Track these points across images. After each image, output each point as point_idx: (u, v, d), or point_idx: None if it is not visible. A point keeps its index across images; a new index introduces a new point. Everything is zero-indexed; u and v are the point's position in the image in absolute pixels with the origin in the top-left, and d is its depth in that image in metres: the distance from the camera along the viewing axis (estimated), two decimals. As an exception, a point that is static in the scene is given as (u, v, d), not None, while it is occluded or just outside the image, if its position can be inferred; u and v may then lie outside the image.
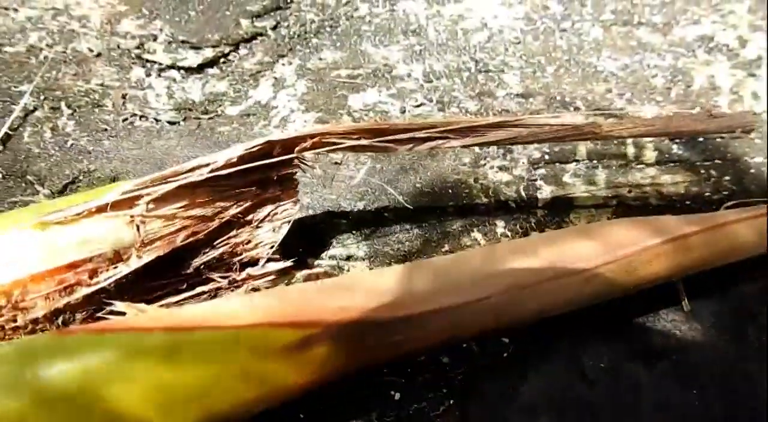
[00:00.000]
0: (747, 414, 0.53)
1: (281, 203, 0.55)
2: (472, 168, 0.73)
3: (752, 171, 0.77)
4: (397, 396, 0.54)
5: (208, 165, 0.50)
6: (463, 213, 0.69)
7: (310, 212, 0.66)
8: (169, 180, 0.49)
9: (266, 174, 0.54)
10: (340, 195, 0.68)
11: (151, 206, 0.49)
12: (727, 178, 0.76)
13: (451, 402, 0.53)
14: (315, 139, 0.52)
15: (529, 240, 0.56)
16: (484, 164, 0.74)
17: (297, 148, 0.52)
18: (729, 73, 0.87)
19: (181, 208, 0.50)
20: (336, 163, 0.71)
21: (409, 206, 0.68)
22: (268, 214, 0.54)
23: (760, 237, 0.59)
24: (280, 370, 0.46)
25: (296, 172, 0.55)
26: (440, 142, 0.59)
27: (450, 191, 0.71)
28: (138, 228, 0.48)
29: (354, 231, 0.65)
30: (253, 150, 0.51)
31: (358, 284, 0.50)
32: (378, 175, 0.71)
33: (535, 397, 0.54)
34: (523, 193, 0.72)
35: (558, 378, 0.55)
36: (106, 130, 0.72)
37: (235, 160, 0.50)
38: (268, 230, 0.55)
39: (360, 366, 0.49)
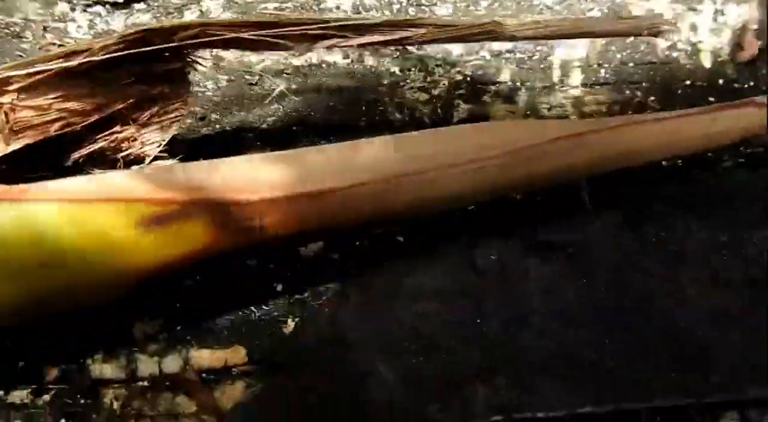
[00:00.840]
0: (635, 305, 0.52)
1: (171, 102, 0.55)
2: (390, 89, 0.73)
3: (679, 93, 0.76)
4: (280, 287, 0.54)
5: (82, 52, 0.50)
6: (376, 129, 0.68)
7: (217, 127, 0.66)
8: (38, 66, 0.49)
9: (150, 68, 0.54)
10: (250, 112, 0.68)
11: (22, 96, 0.49)
12: (652, 98, 0.75)
13: (334, 292, 0.53)
14: (196, 29, 0.52)
15: (419, 133, 0.55)
16: (404, 85, 0.73)
17: (176, 36, 0.52)
18: (669, 6, 0.86)
19: (56, 98, 0.51)
20: (250, 84, 0.71)
21: (320, 122, 0.68)
22: (157, 112, 0.54)
23: (659, 142, 0.58)
24: (134, 246, 0.45)
25: (186, 69, 0.55)
26: (338, 40, 0.58)
27: (364, 109, 0.70)
28: (6, 116, 0.48)
29: (260, 145, 0.65)
30: (128, 38, 0.51)
31: (225, 166, 0.50)
32: (292, 94, 0.71)
33: (421, 287, 0.53)
34: (439, 111, 0.71)
35: (447, 270, 0.54)
36: (21, 57, 0.73)
37: (111, 47, 0.50)
38: (156, 129, 0.55)
39: (223, 248, 0.48)
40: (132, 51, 0.51)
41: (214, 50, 0.68)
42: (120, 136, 0.53)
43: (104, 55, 0.50)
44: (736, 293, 0.53)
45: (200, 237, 0.46)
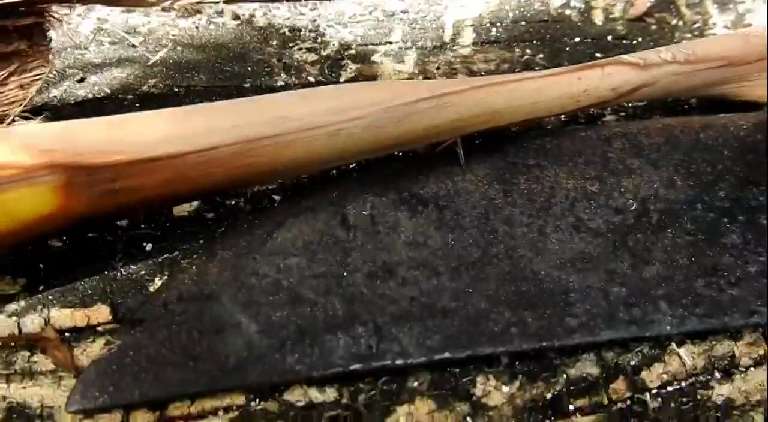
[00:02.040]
0: (499, 254, 0.53)
1: (30, 59, 0.54)
2: (278, 49, 0.73)
3: (567, 50, 0.77)
4: (149, 246, 0.54)
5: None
6: (260, 91, 0.68)
7: (95, 89, 0.65)
8: None
9: (2, 23, 0.52)
10: (131, 73, 0.67)
11: None
12: (540, 56, 0.76)
13: (201, 250, 0.53)
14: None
15: (280, 95, 0.55)
16: (293, 46, 0.73)
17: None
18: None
19: None
20: (133, 46, 0.70)
21: (203, 85, 0.67)
22: (15, 71, 0.53)
23: (523, 102, 0.58)
24: None
25: (45, 25, 0.54)
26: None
27: (250, 70, 0.70)
28: None
29: (139, 107, 0.64)
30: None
31: (80, 127, 0.49)
32: (176, 56, 0.70)
33: (288, 242, 0.53)
34: (326, 71, 0.71)
35: (317, 226, 0.54)
36: None
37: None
38: (15, 87, 0.54)
39: (81, 212, 0.48)
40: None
41: (94, 9, 0.67)
42: None
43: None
44: (597, 239, 0.55)
45: (52, 201, 0.45)
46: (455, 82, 0.55)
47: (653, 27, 0.79)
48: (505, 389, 0.47)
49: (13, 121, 0.53)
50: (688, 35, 0.78)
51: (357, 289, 0.49)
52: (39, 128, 0.49)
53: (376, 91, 0.52)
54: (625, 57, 0.60)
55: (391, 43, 0.73)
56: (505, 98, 0.55)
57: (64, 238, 0.52)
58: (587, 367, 0.49)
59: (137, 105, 0.63)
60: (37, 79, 0.52)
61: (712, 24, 0.79)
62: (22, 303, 0.48)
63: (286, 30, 0.72)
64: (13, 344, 0.46)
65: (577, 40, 0.76)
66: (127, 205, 0.48)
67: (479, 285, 0.50)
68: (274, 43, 0.71)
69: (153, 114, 0.49)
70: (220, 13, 0.73)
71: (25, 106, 0.52)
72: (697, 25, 0.79)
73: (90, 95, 0.63)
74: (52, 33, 0.53)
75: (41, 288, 0.49)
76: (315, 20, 0.74)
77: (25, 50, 0.52)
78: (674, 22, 0.79)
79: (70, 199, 0.45)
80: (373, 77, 0.70)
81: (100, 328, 0.48)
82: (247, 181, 0.52)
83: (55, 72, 0.63)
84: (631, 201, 0.56)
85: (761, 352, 0.51)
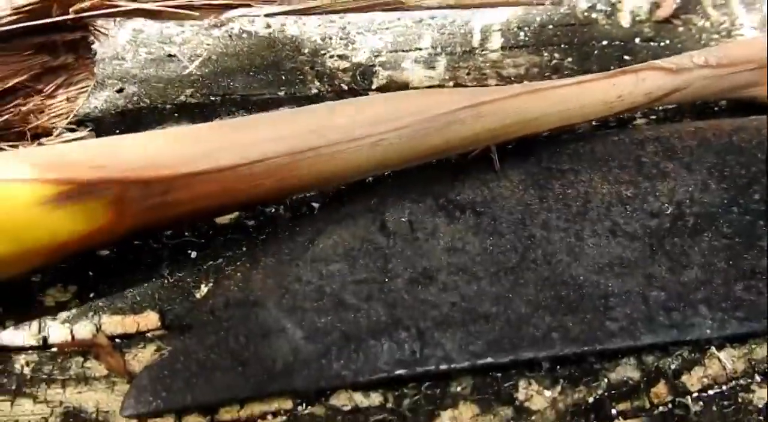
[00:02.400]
0: (537, 259, 0.54)
1: (76, 72, 0.55)
2: (310, 57, 0.74)
3: (596, 53, 0.78)
4: (194, 254, 0.55)
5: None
6: (294, 99, 0.69)
7: (134, 99, 0.66)
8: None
9: (51, 38, 0.54)
10: (169, 83, 0.68)
11: None
12: (569, 59, 0.77)
13: (244, 258, 0.54)
14: (94, 1, 0.52)
15: (320, 106, 0.56)
16: (324, 54, 0.74)
17: (72, 8, 0.52)
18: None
19: None
20: (169, 55, 0.72)
21: (238, 94, 0.68)
22: (62, 83, 0.54)
23: (559, 109, 0.59)
24: (37, 226, 0.45)
25: (89, 39, 0.55)
26: (243, 10, 0.59)
27: (284, 78, 0.71)
28: None
29: (177, 117, 0.66)
30: (25, 9, 0.51)
31: (129, 142, 0.50)
32: (211, 66, 0.71)
33: (330, 249, 0.54)
34: (358, 78, 0.72)
35: (357, 232, 0.55)
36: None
37: (7, 18, 0.50)
38: (62, 100, 0.55)
39: (127, 226, 0.49)
40: (30, 23, 0.51)
41: (133, 22, 0.68)
42: (24, 108, 0.54)
43: (2, 27, 0.50)
44: (635, 243, 0.56)
45: (103, 216, 0.46)
46: (492, 90, 0.56)
47: (680, 29, 0.79)
48: (548, 393, 0.48)
49: (60, 133, 0.54)
50: (716, 36, 0.78)
51: (399, 295, 0.50)
52: (89, 143, 0.50)
53: (416, 101, 0.53)
54: (659, 62, 0.60)
55: (420, 49, 0.74)
56: (541, 106, 0.56)
57: (112, 247, 0.53)
58: (628, 371, 0.50)
59: (175, 114, 0.64)
60: (83, 92, 0.53)
61: (738, 25, 0.79)
62: (74, 310, 0.49)
63: (317, 38, 0.73)
64: (67, 350, 0.47)
65: (604, 43, 0.76)
66: (175, 217, 0.49)
67: (519, 290, 0.51)
68: (306, 51, 0.72)
69: (199, 127, 0.51)
70: (252, 22, 0.74)
71: (70, 118, 0.53)
72: (724, 26, 0.79)
73: (129, 105, 0.65)
74: (96, 46, 0.54)
75: (92, 295, 0.50)
76: (345, 28, 0.75)
77: (72, 64, 0.53)
78: (701, 23, 0.79)
79: (121, 214, 0.46)
80: (405, 84, 0.70)
81: (149, 334, 0.49)
82: (291, 191, 0.53)
83: (95, 82, 0.64)
84: (666, 205, 0.57)
85: (800, 355, 0.51)
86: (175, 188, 0.47)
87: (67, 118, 0.54)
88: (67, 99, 0.53)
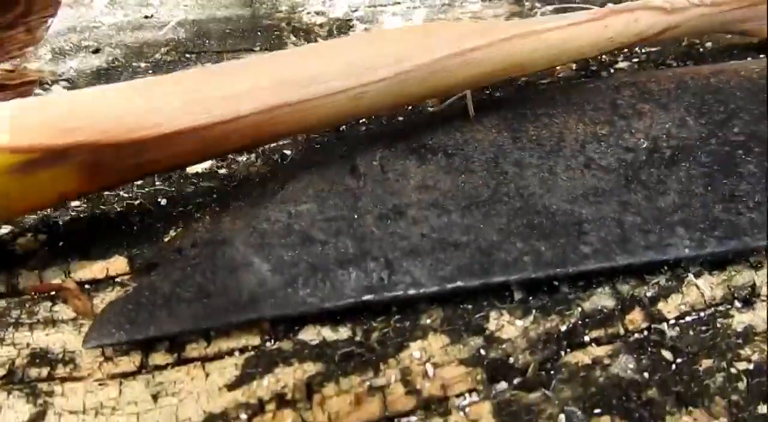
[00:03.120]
0: (509, 192, 0.53)
1: (35, 1, 0.54)
2: (287, 14, 0.73)
3: (577, 1, 0.76)
4: (164, 202, 0.55)
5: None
6: (268, 52, 0.69)
7: (109, 58, 0.67)
8: None
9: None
10: (144, 43, 0.69)
11: None
12: (548, 7, 0.75)
13: (214, 203, 0.54)
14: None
15: (296, 53, 0.55)
16: (302, 10, 0.74)
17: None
18: None
19: None
20: (146, 17, 0.72)
21: (213, 51, 0.68)
22: (22, 13, 0.53)
23: (549, 52, 0.57)
24: (8, 195, 0.44)
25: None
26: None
27: (260, 34, 0.71)
28: None
29: (152, 72, 0.66)
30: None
31: (93, 100, 0.47)
32: (188, 25, 0.71)
33: (300, 191, 0.54)
34: (335, 33, 0.72)
35: (327, 175, 0.55)
36: None
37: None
38: (22, 31, 0.54)
39: (100, 187, 0.48)
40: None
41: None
42: None
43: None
44: (610, 175, 0.55)
45: (75, 179, 0.45)
46: (480, 31, 0.54)
47: None
48: (519, 323, 0.47)
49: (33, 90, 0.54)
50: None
51: (367, 229, 0.49)
52: (60, 100, 0.49)
53: (397, 47, 0.51)
54: (653, 1, 0.59)
55: (399, 2, 0.73)
56: (530, 50, 0.55)
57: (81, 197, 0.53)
58: (602, 300, 0.49)
59: (150, 71, 0.64)
60: (43, 21, 0.52)
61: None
62: (43, 258, 0.49)
63: (294, -5, 0.73)
64: (35, 295, 0.47)
65: (586, -8, 0.75)
66: (149, 173, 0.49)
67: (490, 221, 0.50)
68: (284, 8, 0.72)
69: (173, 78, 0.49)
70: (229, -17, 0.74)
71: (34, 49, 0.52)
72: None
73: (105, 64, 0.65)
74: (74, 11, 0.53)
75: (61, 243, 0.50)
76: (323, -15, 0.74)
77: None
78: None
79: (93, 175, 0.45)
80: (381, 36, 0.69)
81: (117, 279, 0.49)
82: (266, 142, 0.52)
83: (71, 44, 0.64)
84: (642, 140, 0.56)
85: (783, 280, 0.50)
86: (149, 149, 0.45)
87: (27, 48, 0.52)
88: (27, 29, 0.52)
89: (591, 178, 0.53)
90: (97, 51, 0.64)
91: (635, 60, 0.67)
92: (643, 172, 0.53)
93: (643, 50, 0.67)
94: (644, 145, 0.55)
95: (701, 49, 0.67)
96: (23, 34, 0.51)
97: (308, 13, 0.71)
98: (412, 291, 0.45)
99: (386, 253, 0.48)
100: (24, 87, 0.52)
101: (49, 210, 0.51)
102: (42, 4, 0.52)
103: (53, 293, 0.48)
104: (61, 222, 0.52)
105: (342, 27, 0.69)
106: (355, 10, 0.71)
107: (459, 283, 0.46)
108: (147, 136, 0.44)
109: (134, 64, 0.64)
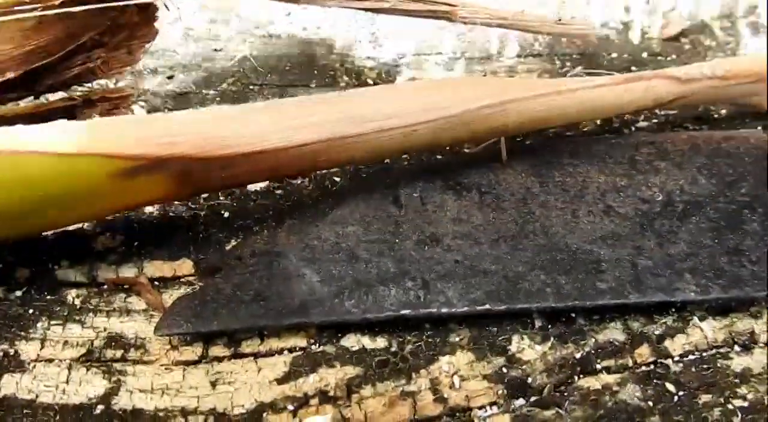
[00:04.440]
0: (535, 230, 0.59)
1: (138, 29, 0.61)
2: (340, 56, 0.81)
3: (605, 64, 0.83)
4: (227, 214, 0.61)
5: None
6: (323, 89, 0.76)
7: (182, 84, 0.74)
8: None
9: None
10: (213, 73, 0.76)
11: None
12: (579, 67, 0.82)
13: (271, 219, 0.60)
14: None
15: (363, 92, 0.62)
16: (354, 53, 0.81)
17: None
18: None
19: (29, 30, 0.57)
20: (215, 50, 0.79)
21: (275, 83, 0.76)
22: (126, 37, 0.61)
23: (578, 109, 0.64)
24: (106, 194, 0.50)
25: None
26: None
27: (316, 72, 0.78)
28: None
29: (219, 100, 0.73)
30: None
31: (190, 121, 0.54)
32: (252, 60, 0.79)
33: (347, 214, 0.60)
34: (384, 76, 0.79)
35: (372, 203, 0.61)
36: None
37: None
38: (124, 52, 0.62)
39: (186, 195, 0.55)
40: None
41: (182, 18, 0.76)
42: (90, 64, 0.60)
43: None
44: (626, 222, 0.60)
45: (163, 188, 0.51)
46: (518, 86, 0.61)
47: (687, 46, 0.84)
48: (538, 347, 0.53)
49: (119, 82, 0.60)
50: (721, 55, 0.83)
51: (407, 252, 0.55)
52: (159, 118, 0.56)
53: (446, 94, 0.58)
54: (669, 71, 0.66)
55: (441, 53, 0.81)
56: (561, 106, 0.61)
57: (157, 205, 0.59)
58: (614, 334, 0.54)
59: (217, 99, 0.72)
60: (142, 45, 0.59)
61: (743, 45, 0.84)
62: (120, 255, 0.55)
63: (347, 40, 0.80)
64: (112, 287, 0.53)
65: (614, 55, 0.82)
66: (227, 186, 0.55)
67: (517, 253, 0.56)
68: (337, 50, 0.79)
69: (252, 108, 0.57)
70: (290, 24, 0.81)
71: (131, 69, 0.59)
72: (729, 46, 0.84)
73: (177, 89, 0.72)
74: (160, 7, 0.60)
75: (136, 244, 0.56)
76: (374, 32, 0.82)
77: (137, 22, 0.59)
78: (708, 42, 0.84)
79: (184, 185, 0.52)
80: (426, 82, 0.76)
81: (184, 279, 0.55)
82: (323, 168, 0.59)
83: (148, 69, 0.72)
84: (657, 193, 0.62)
85: (780, 330, 0.55)
86: (232, 165, 0.52)
87: (128, 67, 0.59)
88: (129, 51, 0.60)
89: (609, 223, 0.59)
90: (171, 77, 0.71)
91: (654, 120, 0.73)
92: (656, 222, 0.59)
93: (662, 112, 0.73)
94: (659, 198, 0.61)
95: (716, 115, 0.73)
96: (125, 55, 0.59)
97: (359, 56, 0.78)
98: (444, 310, 0.51)
99: (423, 274, 0.53)
100: (121, 101, 0.59)
101: (126, 213, 0.57)
102: (144, 31, 0.59)
103: (128, 286, 0.53)
104: (136, 226, 0.58)
105: (390, 71, 0.76)
106: (402, 57, 0.78)
107: (487, 306, 0.52)
108: (230, 154, 0.51)
109: (203, 91, 0.71)
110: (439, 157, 0.66)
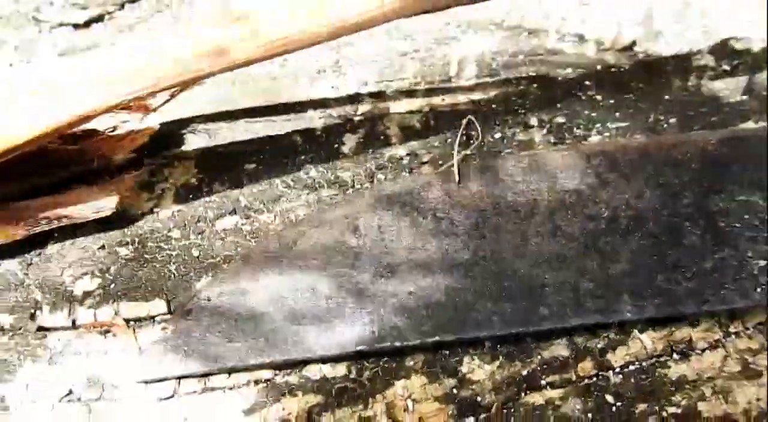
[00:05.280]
0: (488, 255, 0.63)
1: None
2: (306, 88, 0.84)
3: (559, 79, 0.86)
4: (197, 252, 0.65)
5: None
6: (289, 123, 0.80)
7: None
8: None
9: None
10: (183, 114, 0.80)
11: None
12: (534, 85, 0.86)
13: (238, 256, 0.64)
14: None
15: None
16: (318, 85, 0.85)
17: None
18: (563, 3, 0.97)
19: None
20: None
21: (243, 119, 0.79)
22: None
23: None
24: None
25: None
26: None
27: (282, 106, 0.82)
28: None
29: (190, 137, 0.77)
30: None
31: None
32: (219, 97, 0.82)
33: (309, 248, 0.64)
34: (347, 106, 0.82)
35: (333, 234, 0.65)
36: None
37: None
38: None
39: None
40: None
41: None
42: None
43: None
44: (572, 243, 0.64)
45: None
46: None
47: (640, 55, 0.87)
48: (487, 367, 0.56)
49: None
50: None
51: (364, 286, 0.59)
52: None
53: None
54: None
55: (403, 79, 0.84)
56: None
57: (131, 246, 0.64)
58: (559, 350, 0.58)
59: (188, 137, 0.75)
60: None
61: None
62: (97, 298, 0.59)
63: (313, 71, 0.84)
64: (90, 329, 0.57)
65: (569, 70, 0.85)
66: None
67: (467, 282, 0.59)
68: (303, 81, 0.83)
69: None
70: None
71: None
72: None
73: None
74: None
75: (112, 287, 0.60)
76: (338, 61, 0.85)
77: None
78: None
79: None
80: (386, 110, 0.80)
81: (157, 318, 0.59)
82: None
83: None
84: (603, 209, 0.65)
85: (716, 337, 0.59)
86: None
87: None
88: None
89: (556, 244, 0.62)
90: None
91: (606, 134, 0.76)
92: (600, 241, 0.62)
93: (613, 125, 0.77)
94: (605, 214, 0.64)
95: (665, 126, 0.77)
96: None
97: (323, 87, 0.81)
98: (397, 343, 0.55)
99: (378, 308, 0.57)
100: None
101: (102, 259, 0.61)
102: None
103: (105, 328, 0.58)
104: (113, 269, 0.62)
105: (353, 100, 0.80)
106: (365, 85, 0.82)
107: (437, 337, 0.56)
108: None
109: (183, 134, 0.75)
110: (397, 180, 0.69)
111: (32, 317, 0.57)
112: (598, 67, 0.85)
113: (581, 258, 0.60)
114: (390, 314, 0.56)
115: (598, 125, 0.78)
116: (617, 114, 0.80)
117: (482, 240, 0.62)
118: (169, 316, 0.58)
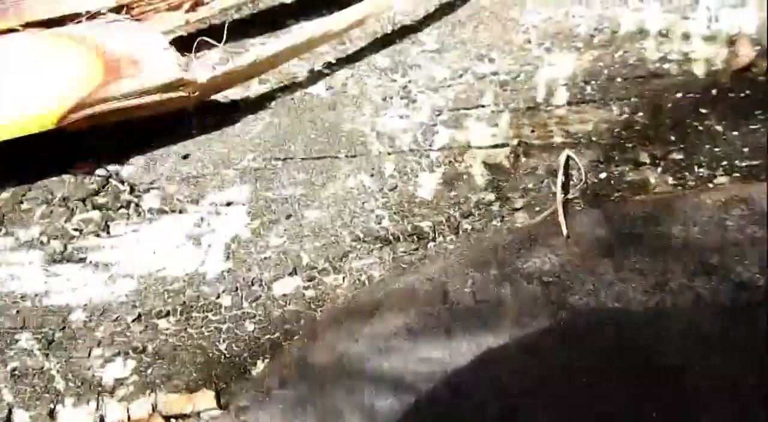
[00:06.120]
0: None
1: None
2: (370, 117, 0.72)
3: (669, 106, 0.72)
4: (251, 327, 0.53)
5: None
6: (354, 159, 0.67)
7: (199, 164, 0.66)
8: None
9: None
10: (232, 148, 0.68)
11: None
12: (640, 114, 0.72)
13: (302, 331, 0.51)
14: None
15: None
16: (385, 114, 0.72)
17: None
18: (661, 16, 0.83)
19: None
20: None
21: (299, 157, 0.67)
22: None
23: None
24: None
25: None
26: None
27: (344, 140, 0.69)
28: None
29: (238, 181, 0.64)
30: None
31: None
32: (273, 129, 0.70)
33: (390, 321, 0.51)
34: (419, 138, 0.69)
35: (418, 304, 0.52)
36: None
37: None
38: None
39: None
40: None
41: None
42: None
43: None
44: (721, 316, 0.50)
45: None
46: None
47: (760, 78, 0.73)
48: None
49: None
50: (800, 83, 0.71)
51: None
52: None
53: None
54: None
55: (483, 106, 0.71)
56: None
57: (173, 318, 0.51)
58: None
59: (238, 180, 0.63)
60: None
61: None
62: (131, 388, 0.47)
63: (378, 98, 0.71)
64: (123, 432, 0.45)
65: (678, 95, 0.71)
66: None
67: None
68: (367, 111, 0.70)
69: None
70: (314, 82, 0.73)
71: None
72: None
73: (194, 171, 0.64)
74: None
75: (149, 372, 0.48)
76: (406, 87, 0.73)
77: None
78: (782, 70, 0.72)
79: None
80: (467, 142, 0.67)
81: (204, 415, 0.46)
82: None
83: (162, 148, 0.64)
84: (757, 275, 0.51)
85: None
86: None
87: None
88: None
89: (699, 318, 0.48)
90: (185, 157, 0.63)
91: (736, 175, 0.62)
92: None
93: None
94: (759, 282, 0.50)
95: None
96: None
97: (391, 117, 0.69)
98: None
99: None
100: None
101: (137, 335, 0.49)
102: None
103: (140, 430, 0.45)
104: (150, 347, 0.49)
105: (426, 133, 0.67)
106: (438, 114, 0.69)
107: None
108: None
109: (223, 171, 0.63)
110: (487, 234, 0.55)
111: (51, 415, 0.44)
112: (713, 92, 0.70)
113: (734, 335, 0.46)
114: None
115: (724, 163, 0.64)
116: (745, 149, 0.65)
117: (604, 315, 0.48)
118: (218, 413, 0.45)
